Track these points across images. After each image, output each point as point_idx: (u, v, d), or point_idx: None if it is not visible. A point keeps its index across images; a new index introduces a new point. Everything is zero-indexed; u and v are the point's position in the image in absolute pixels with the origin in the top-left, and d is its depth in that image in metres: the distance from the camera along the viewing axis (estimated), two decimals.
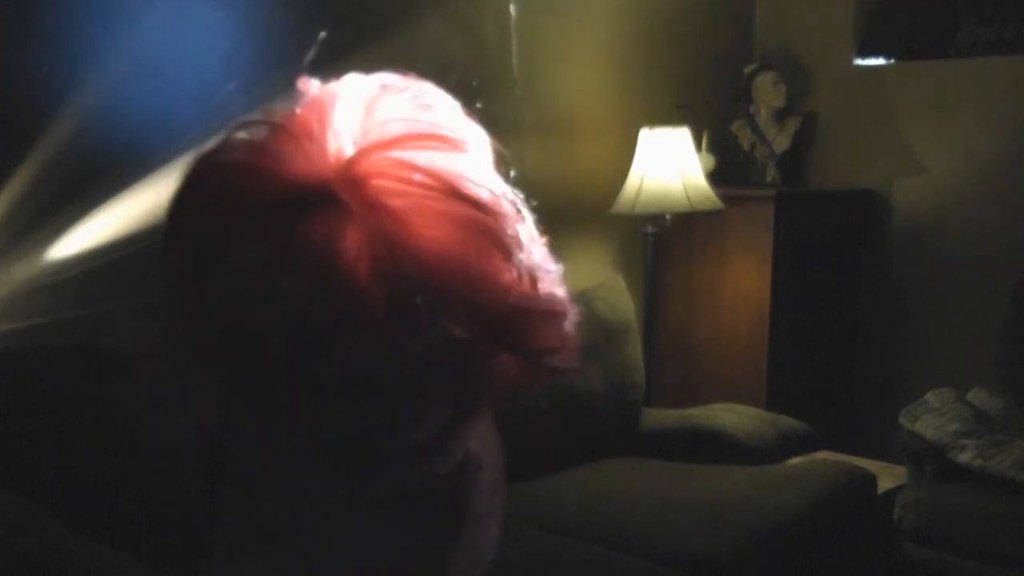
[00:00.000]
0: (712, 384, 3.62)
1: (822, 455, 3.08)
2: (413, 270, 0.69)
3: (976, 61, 3.66)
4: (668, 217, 3.28)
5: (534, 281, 0.75)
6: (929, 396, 3.12)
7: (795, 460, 2.97)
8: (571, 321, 0.76)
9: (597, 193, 3.37)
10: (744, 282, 3.58)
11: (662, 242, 3.44)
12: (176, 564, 1.97)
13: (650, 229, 3.34)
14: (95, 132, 2.23)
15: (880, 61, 3.89)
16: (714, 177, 3.45)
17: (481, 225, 0.73)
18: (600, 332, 3.00)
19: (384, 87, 0.75)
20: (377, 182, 0.70)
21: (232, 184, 0.72)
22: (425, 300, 0.69)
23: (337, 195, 0.69)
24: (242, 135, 0.73)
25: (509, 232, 0.75)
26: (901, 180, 3.83)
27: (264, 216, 0.70)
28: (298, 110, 0.73)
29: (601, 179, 3.38)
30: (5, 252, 2.14)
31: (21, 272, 2.16)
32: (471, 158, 0.76)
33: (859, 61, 3.91)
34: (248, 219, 0.70)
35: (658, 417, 3.13)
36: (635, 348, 3.11)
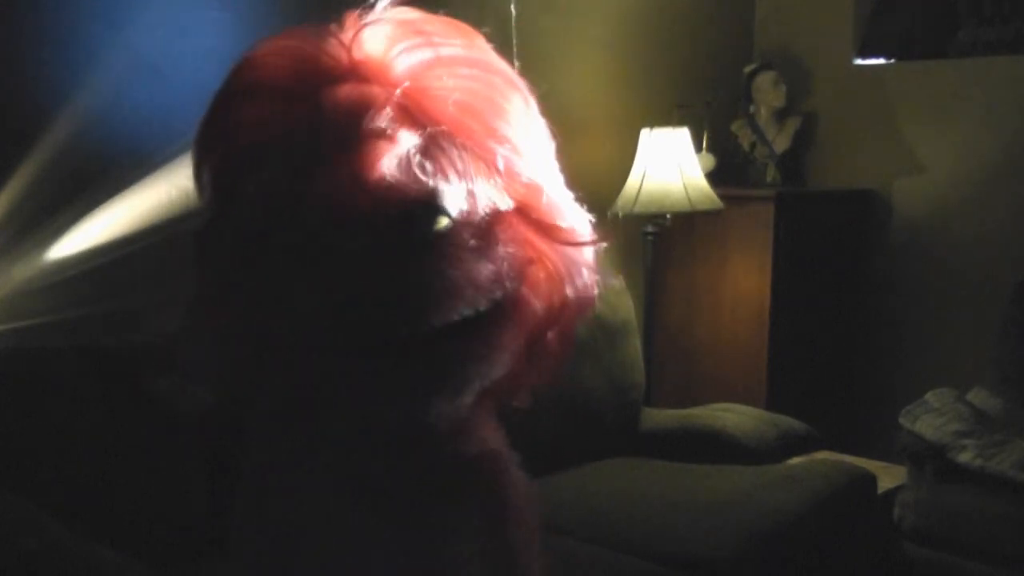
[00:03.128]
0: (712, 384, 3.62)
1: (822, 455, 3.08)
2: (438, 111, 0.71)
3: (976, 61, 3.66)
4: (668, 217, 3.28)
5: (548, 162, 0.77)
6: (929, 396, 3.12)
7: (795, 460, 2.97)
8: (582, 213, 0.77)
9: (597, 193, 3.36)
10: (744, 282, 3.58)
11: (662, 242, 3.44)
12: (176, 564, 1.97)
13: (650, 229, 3.34)
14: (95, 132, 2.23)
15: (880, 61, 3.89)
16: (714, 177, 3.45)
17: (492, 66, 0.76)
18: (600, 332, 3.00)
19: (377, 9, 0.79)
20: (391, 52, 0.73)
21: (261, 73, 0.74)
22: (453, 137, 0.70)
23: (361, 69, 0.72)
24: (265, 43, 0.76)
25: (516, 76, 0.78)
26: (901, 180, 3.83)
27: (296, 97, 0.72)
28: (311, 29, 0.77)
29: (601, 179, 3.37)
30: (5, 252, 2.14)
31: (21, 272, 2.16)
32: (479, 37, 0.79)
33: (859, 61, 3.91)
34: (281, 104, 0.72)
35: (658, 417, 3.13)
36: (635, 348, 3.11)
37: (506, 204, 0.72)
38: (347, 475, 0.74)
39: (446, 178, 0.69)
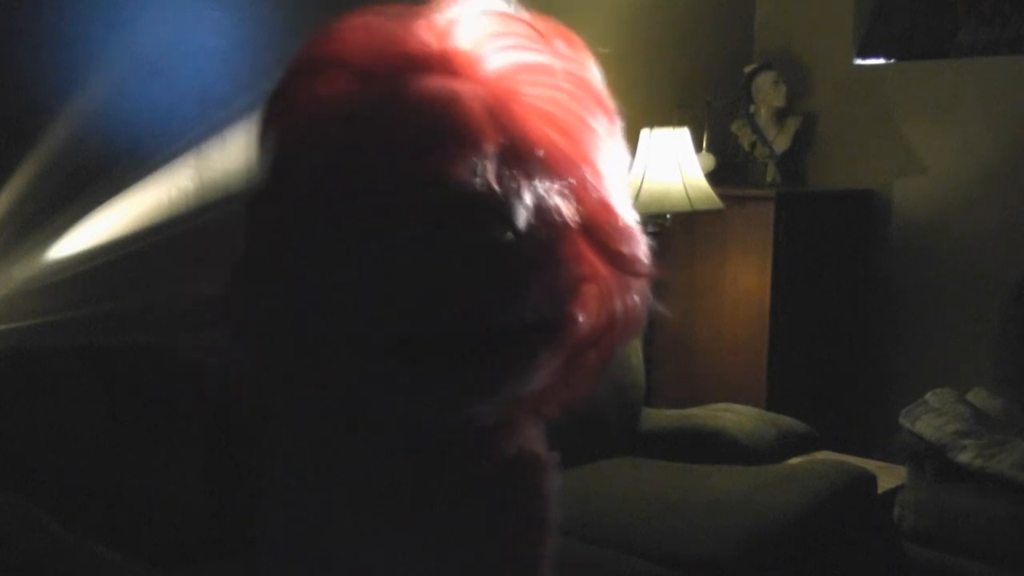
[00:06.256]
0: (712, 384, 3.62)
1: (822, 455, 3.08)
2: (525, 122, 0.68)
3: (976, 61, 3.66)
4: (668, 217, 3.28)
5: (621, 186, 0.75)
6: (929, 396, 3.11)
7: (795, 460, 2.97)
8: (645, 241, 0.75)
9: None
10: (744, 282, 3.58)
11: (662, 242, 3.44)
12: (176, 564, 1.97)
13: (650, 229, 3.34)
14: (95, 132, 2.23)
15: (880, 61, 3.89)
16: (714, 177, 3.45)
17: (585, 81, 0.73)
18: None
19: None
20: (485, 47, 0.70)
21: (342, 47, 0.71)
22: (535, 153, 0.68)
23: (451, 61, 0.69)
24: (352, 16, 0.72)
25: (607, 96, 0.76)
26: (901, 180, 3.83)
27: (377, 77, 0.69)
28: (401, 7, 0.73)
29: None
30: (5, 252, 2.14)
31: (21, 272, 2.16)
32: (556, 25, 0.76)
33: (859, 61, 3.90)
34: (360, 82, 0.68)
35: (658, 417, 3.13)
36: (635, 348, 3.11)
37: (574, 222, 0.71)
38: (378, 480, 0.73)
39: (519, 190, 0.67)
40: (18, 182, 2.12)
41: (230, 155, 2.44)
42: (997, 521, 2.78)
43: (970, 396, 3.16)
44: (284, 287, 0.69)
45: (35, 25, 2.15)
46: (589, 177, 0.73)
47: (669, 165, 3.19)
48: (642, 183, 3.20)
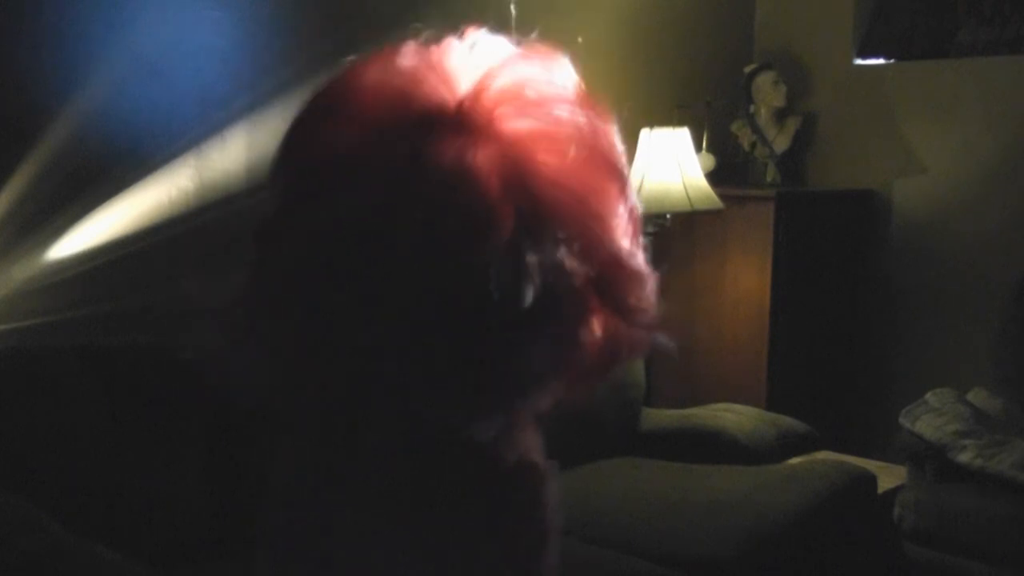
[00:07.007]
0: (712, 384, 3.61)
1: (822, 455, 3.08)
2: (539, 191, 0.68)
3: (976, 61, 3.66)
4: (668, 217, 3.27)
5: (636, 232, 0.75)
6: (929, 396, 3.11)
7: (795, 460, 2.97)
8: (653, 290, 0.76)
9: None
10: (744, 282, 3.58)
11: (662, 242, 3.44)
12: (176, 564, 1.97)
13: (650, 229, 3.34)
14: (95, 132, 2.23)
15: (880, 61, 3.89)
16: (714, 177, 3.45)
17: (599, 146, 0.73)
18: None
19: (477, 36, 0.75)
20: (501, 108, 0.70)
21: (357, 103, 0.70)
22: (549, 224, 0.68)
23: (466, 119, 0.69)
24: (366, 62, 0.72)
25: (621, 158, 0.76)
26: (901, 180, 3.83)
27: (390, 136, 0.68)
28: (414, 53, 0.73)
29: None
30: (5, 252, 2.14)
31: (21, 272, 2.16)
32: (574, 74, 0.77)
33: (859, 61, 3.90)
34: (373, 139, 0.69)
35: (658, 417, 3.13)
36: None
37: (584, 279, 0.71)
38: (378, 481, 0.73)
39: (529, 262, 0.68)
40: (18, 182, 2.12)
41: (230, 155, 2.44)
42: (997, 521, 2.78)
43: (970, 396, 3.16)
44: (300, 314, 0.70)
45: (35, 25, 2.15)
46: (600, 234, 0.73)
47: (669, 165, 3.19)
48: (642, 183, 3.20)
